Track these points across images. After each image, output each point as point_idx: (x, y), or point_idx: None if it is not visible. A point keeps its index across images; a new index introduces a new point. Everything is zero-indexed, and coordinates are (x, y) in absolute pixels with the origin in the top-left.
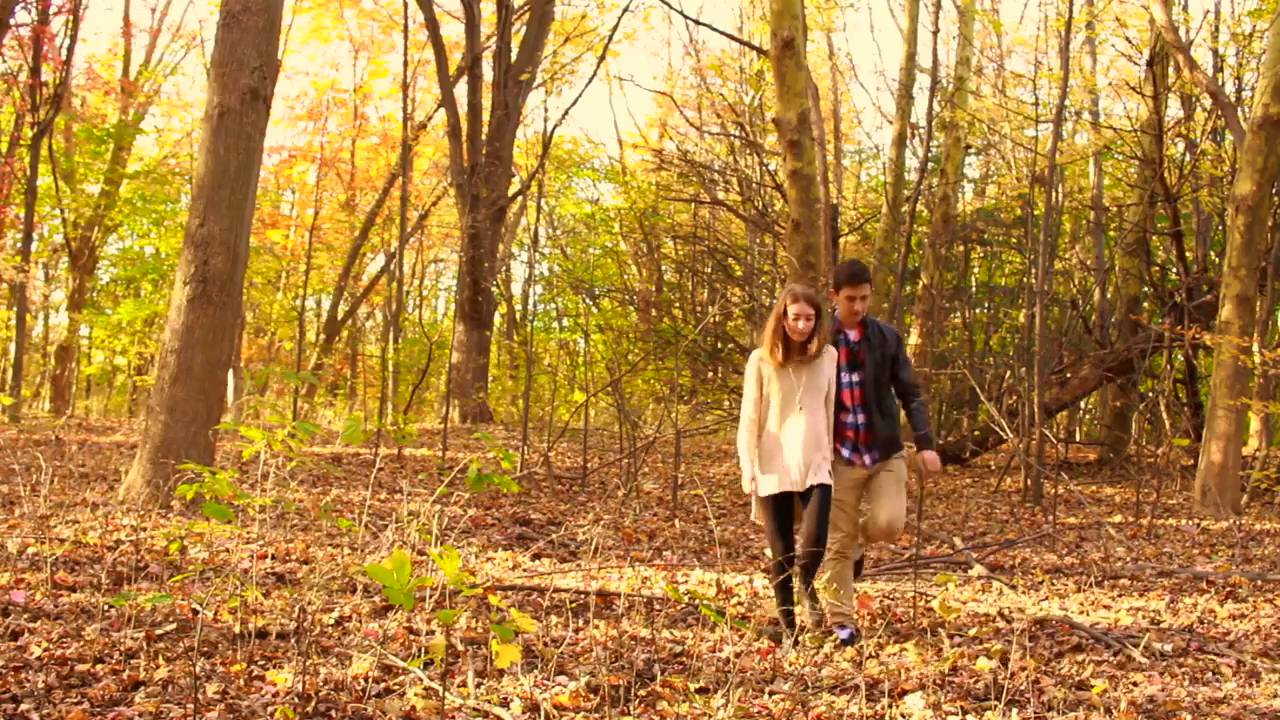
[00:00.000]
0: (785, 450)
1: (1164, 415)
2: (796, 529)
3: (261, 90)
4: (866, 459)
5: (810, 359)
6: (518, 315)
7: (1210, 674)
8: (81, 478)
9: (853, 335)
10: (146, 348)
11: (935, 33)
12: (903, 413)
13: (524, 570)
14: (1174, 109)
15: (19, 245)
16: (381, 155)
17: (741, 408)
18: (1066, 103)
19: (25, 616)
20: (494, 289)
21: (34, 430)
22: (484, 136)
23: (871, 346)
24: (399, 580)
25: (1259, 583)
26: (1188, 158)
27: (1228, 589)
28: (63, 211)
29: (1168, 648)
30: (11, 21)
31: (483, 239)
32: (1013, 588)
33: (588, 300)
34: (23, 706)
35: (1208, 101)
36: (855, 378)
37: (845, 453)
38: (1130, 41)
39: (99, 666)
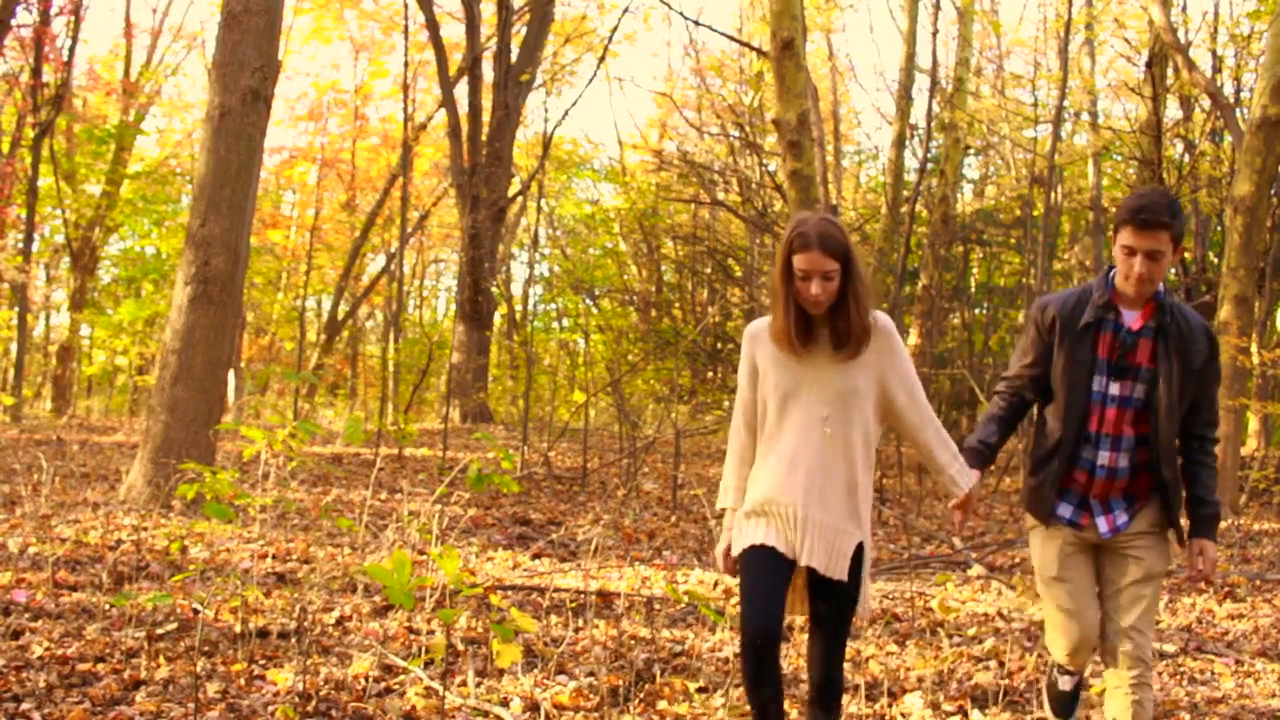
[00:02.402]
0: (787, 493)
1: None
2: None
3: (262, 91)
4: (1102, 523)
5: (845, 348)
6: (518, 315)
7: (1208, 673)
8: (82, 477)
9: (1131, 319)
10: (147, 348)
11: (935, 34)
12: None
13: (524, 570)
14: (1173, 110)
15: (20, 245)
16: (382, 156)
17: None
18: (1065, 103)
19: (26, 616)
20: (494, 289)
21: (35, 430)
22: (484, 137)
23: (1167, 347)
24: (399, 580)
25: (1257, 583)
26: (1186, 158)
27: (1226, 589)
28: (64, 212)
29: (1167, 647)
30: (13, 22)
31: (483, 239)
32: (1012, 588)
33: (588, 300)
34: (24, 706)
35: (1206, 102)
36: (1119, 390)
37: (1065, 510)
38: (1129, 42)
39: (100, 666)
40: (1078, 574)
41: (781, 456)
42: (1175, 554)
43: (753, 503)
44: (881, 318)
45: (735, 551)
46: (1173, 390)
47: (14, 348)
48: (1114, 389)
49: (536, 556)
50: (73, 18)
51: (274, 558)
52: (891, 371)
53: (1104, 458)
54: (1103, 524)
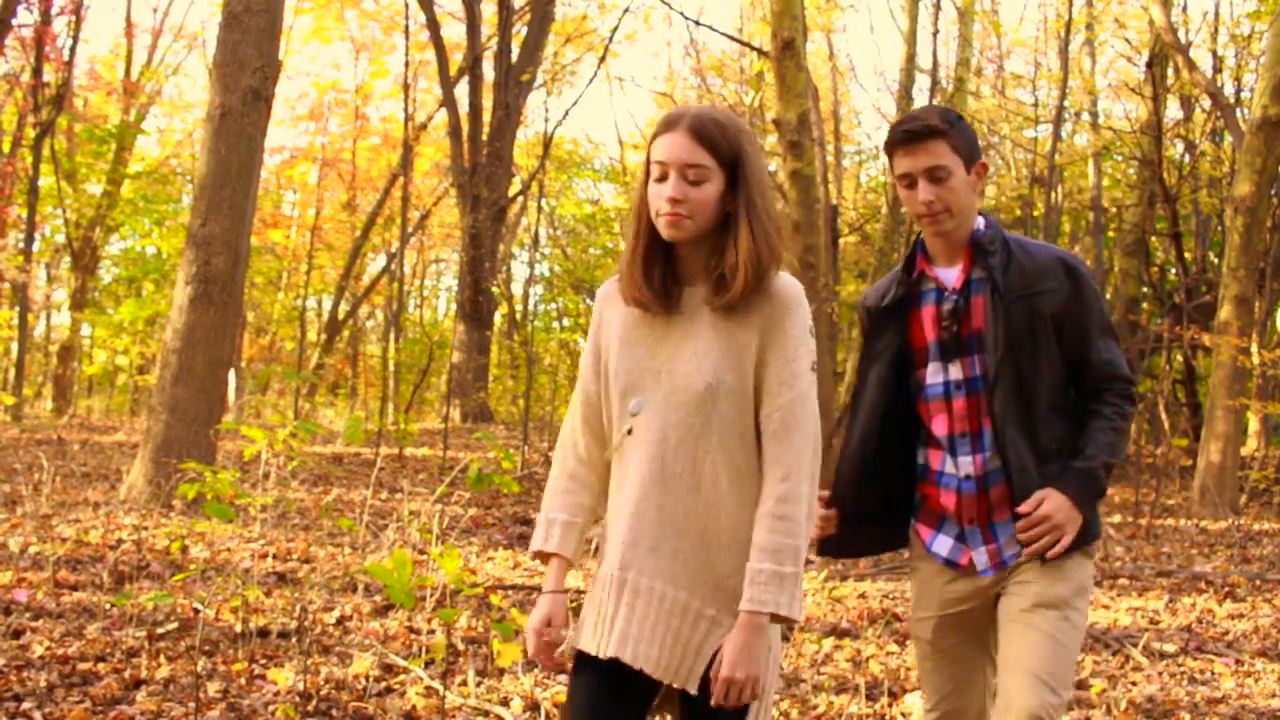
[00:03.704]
0: (610, 549)
1: (1163, 416)
2: None
3: (263, 90)
4: (983, 557)
5: (722, 305)
6: (518, 315)
7: (1209, 673)
8: (83, 477)
9: (950, 277)
10: (148, 347)
11: (935, 34)
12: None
13: (524, 570)
14: (1173, 110)
15: (21, 245)
16: (383, 155)
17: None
18: (1066, 103)
19: (27, 615)
20: (495, 289)
21: (36, 430)
22: (485, 137)
23: (1000, 297)
24: (400, 580)
25: (1257, 582)
26: (1187, 159)
27: (1226, 589)
28: (65, 211)
29: (1167, 647)
30: (14, 22)
31: (483, 239)
32: None
33: (589, 300)
34: (25, 705)
35: (1207, 102)
36: (961, 372)
37: (939, 546)
38: (1129, 43)
39: (100, 665)
40: (947, 630)
41: (616, 490)
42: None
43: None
44: (786, 283)
45: (566, 646)
46: (1022, 351)
47: (15, 347)
48: (955, 372)
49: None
50: (73, 17)
51: (274, 557)
52: (767, 365)
53: (966, 465)
54: (981, 557)
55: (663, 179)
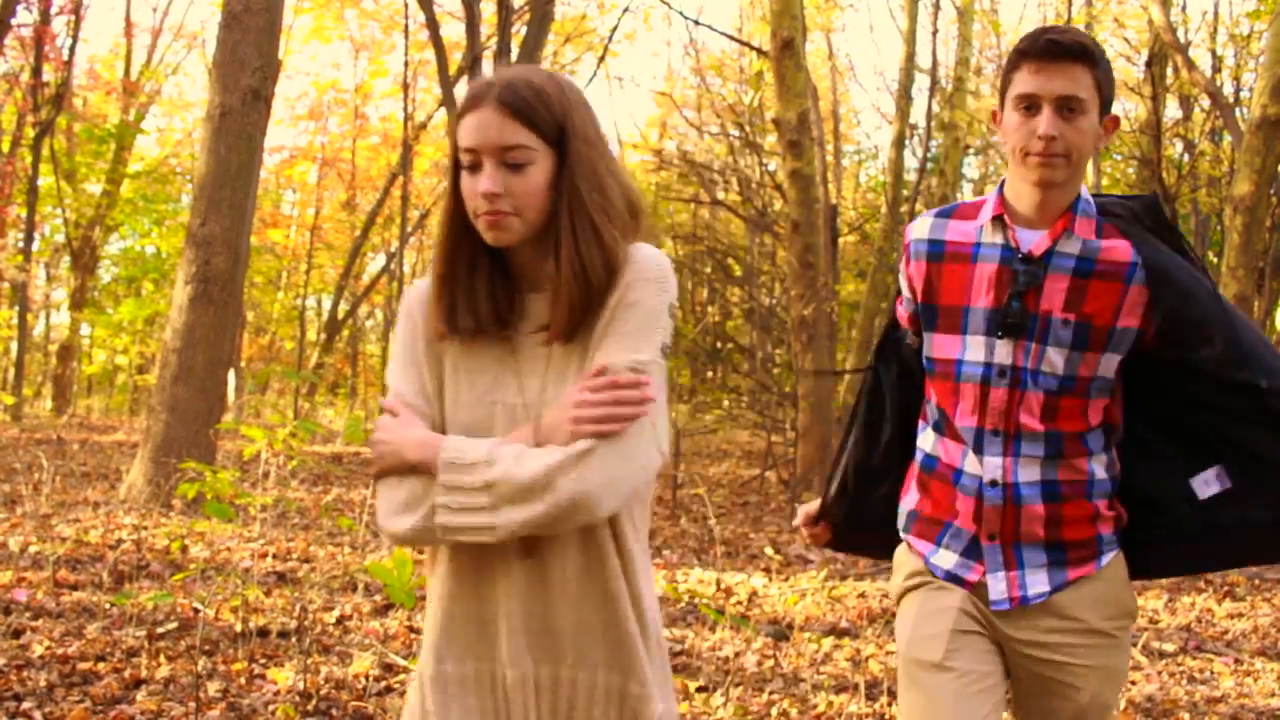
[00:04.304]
0: (477, 642)
1: None
2: None
3: (262, 90)
4: (1000, 585)
5: (556, 325)
6: None
7: (1208, 672)
8: (83, 477)
9: (1030, 240)
10: (147, 347)
11: (934, 33)
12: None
13: None
14: (1172, 109)
15: (21, 245)
16: (382, 155)
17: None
18: None
19: (27, 615)
20: None
21: (35, 429)
22: None
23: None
24: (400, 579)
25: (1256, 582)
26: (1186, 158)
27: (1225, 588)
28: (64, 211)
29: (1166, 646)
30: (13, 21)
31: None
32: None
33: None
34: (25, 705)
35: (1206, 102)
36: (1005, 356)
37: (940, 559)
38: (1128, 42)
39: (100, 665)
40: (970, 663)
41: (459, 563)
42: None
43: (427, 664)
44: (637, 254)
45: None
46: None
47: (14, 347)
48: (1002, 355)
49: None
50: (73, 17)
51: (274, 557)
52: (604, 334)
53: (995, 467)
54: (997, 586)
55: (475, 169)
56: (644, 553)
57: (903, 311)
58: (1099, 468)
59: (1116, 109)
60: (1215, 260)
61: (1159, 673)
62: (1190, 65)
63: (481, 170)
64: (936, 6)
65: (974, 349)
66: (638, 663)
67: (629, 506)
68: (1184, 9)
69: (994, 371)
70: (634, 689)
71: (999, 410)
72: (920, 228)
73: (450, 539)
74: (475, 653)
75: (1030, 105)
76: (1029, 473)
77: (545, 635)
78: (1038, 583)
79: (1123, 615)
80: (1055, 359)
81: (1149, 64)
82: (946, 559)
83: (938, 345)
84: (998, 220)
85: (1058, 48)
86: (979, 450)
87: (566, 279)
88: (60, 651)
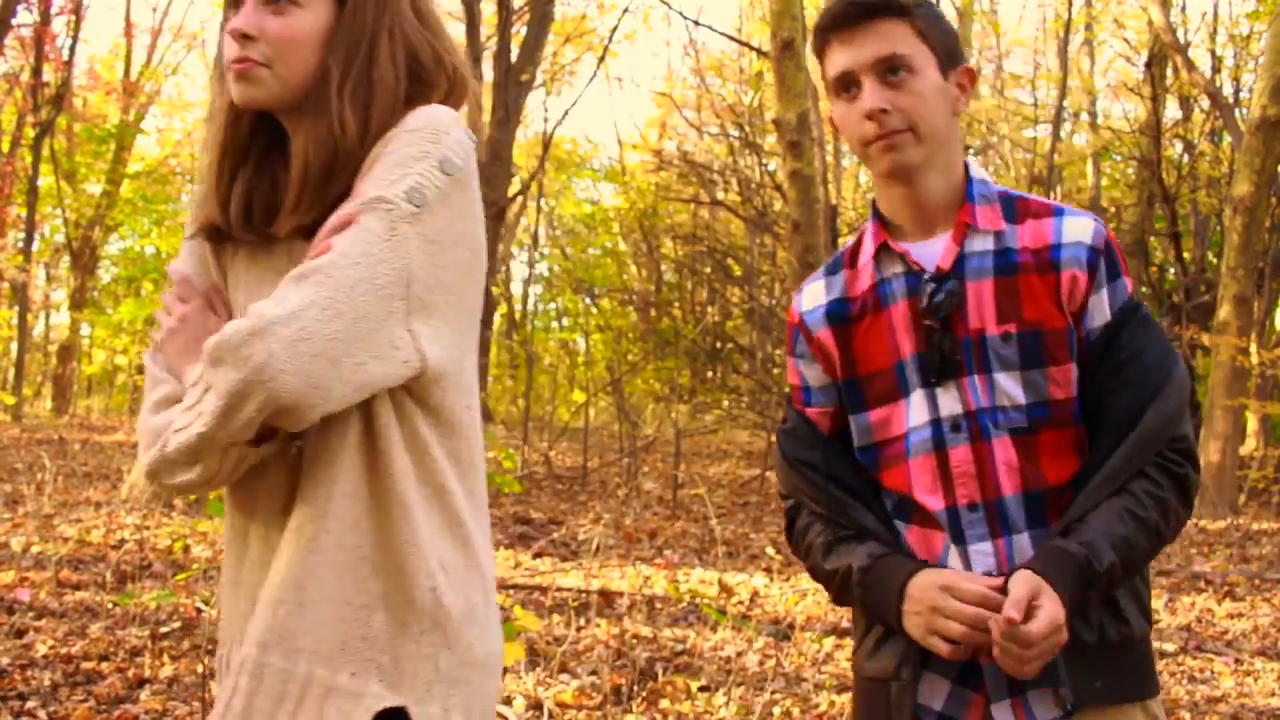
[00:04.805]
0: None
1: None
2: None
3: None
4: (1006, 717)
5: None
6: (517, 315)
7: (1208, 672)
8: (84, 477)
9: (930, 254)
10: (147, 347)
11: None
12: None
13: (525, 569)
14: (1172, 110)
15: (20, 245)
16: None
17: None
18: (1065, 103)
19: (30, 615)
20: (494, 289)
21: (36, 429)
22: (485, 137)
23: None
24: None
25: (1256, 582)
26: (1185, 159)
27: (1225, 588)
28: (64, 211)
29: (1167, 646)
30: (13, 22)
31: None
32: None
33: (588, 300)
34: (29, 704)
35: (1206, 103)
36: (952, 405)
37: (926, 697)
38: (1128, 43)
39: (104, 664)
40: None
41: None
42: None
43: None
44: (419, 111)
45: None
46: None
47: (14, 347)
48: (949, 404)
49: (538, 556)
50: (73, 17)
51: None
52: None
53: (983, 557)
54: (1004, 717)
55: (236, 4)
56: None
57: (814, 411)
58: None
59: (1116, 110)
60: (1215, 260)
61: (1160, 672)
62: (1190, 66)
63: (241, 8)
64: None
65: (917, 410)
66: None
67: (395, 437)
68: (1183, 10)
69: (946, 428)
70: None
71: (968, 476)
72: (811, 294)
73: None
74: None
75: (850, 84)
76: (1028, 552)
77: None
78: (1047, 708)
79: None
80: (1010, 387)
81: (1149, 65)
82: (934, 693)
83: (877, 426)
84: (885, 248)
85: (857, 7)
86: (958, 538)
87: (304, 151)
88: (64, 651)
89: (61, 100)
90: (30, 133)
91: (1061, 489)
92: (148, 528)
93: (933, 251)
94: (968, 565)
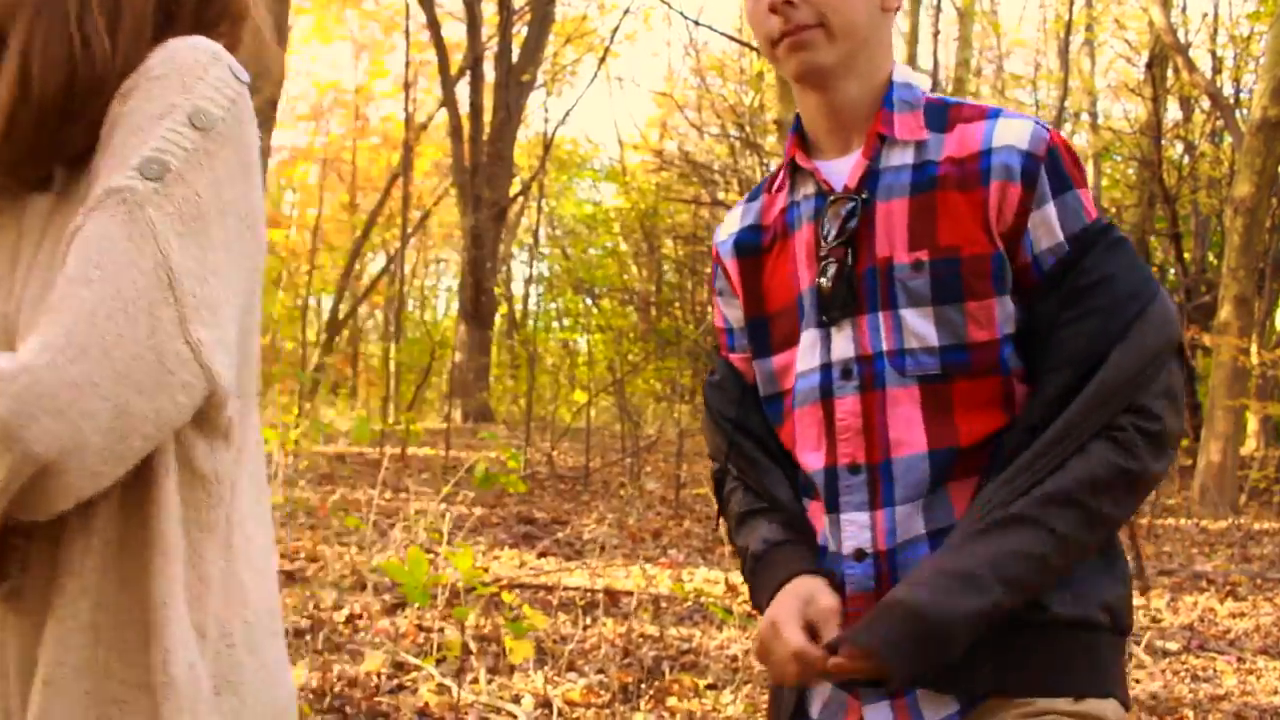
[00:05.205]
0: None
1: None
2: None
3: (270, 93)
4: (883, 716)
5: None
6: (518, 315)
7: (1211, 671)
8: None
9: (838, 169)
10: None
11: (936, 34)
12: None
13: (530, 568)
14: (1172, 111)
15: None
16: (382, 155)
17: None
18: (1065, 104)
19: None
20: (497, 289)
21: None
22: (486, 137)
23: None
24: (415, 577)
25: (1258, 581)
26: (1186, 159)
27: (1227, 587)
28: None
29: (1169, 645)
30: None
31: (485, 239)
32: None
33: (588, 301)
34: None
35: (1206, 103)
36: (845, 347)
37: (813, 704)
38: (1129, 43)
39: None
40: None
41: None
42: None
43: None
44: (165, 47)
45: None
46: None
47: None
48: (842, 347)
49: (542, 555)
50: None
51: (282, 556)
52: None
53: (857, 532)
54: (881, 717)
55: None
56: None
57: (738, 357)
58: None
59: (1116, 110)
60: (1215, 261)
61: (1162, 671)
62: (1191, 67)
63: None
64: (938, 8)
65: (807, 354)
66: None
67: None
68: (1184, 10)
69: (835, 374)
70: None
71: (853, 431)
72: (728, 222)
73: None
74: None
75: None
76: (914, 527)
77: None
78: (939, 708)
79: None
80: (919, 326)
81: (1149, 65)
82: (816, 697)
83: (779, 373)
84: (797, 166)
85: None
86: (831, 505)
87: (22, 68)
88: None
89: None
90: None
91: (974, 449)
92: None
93: (843, 169)
94: (838, 540)
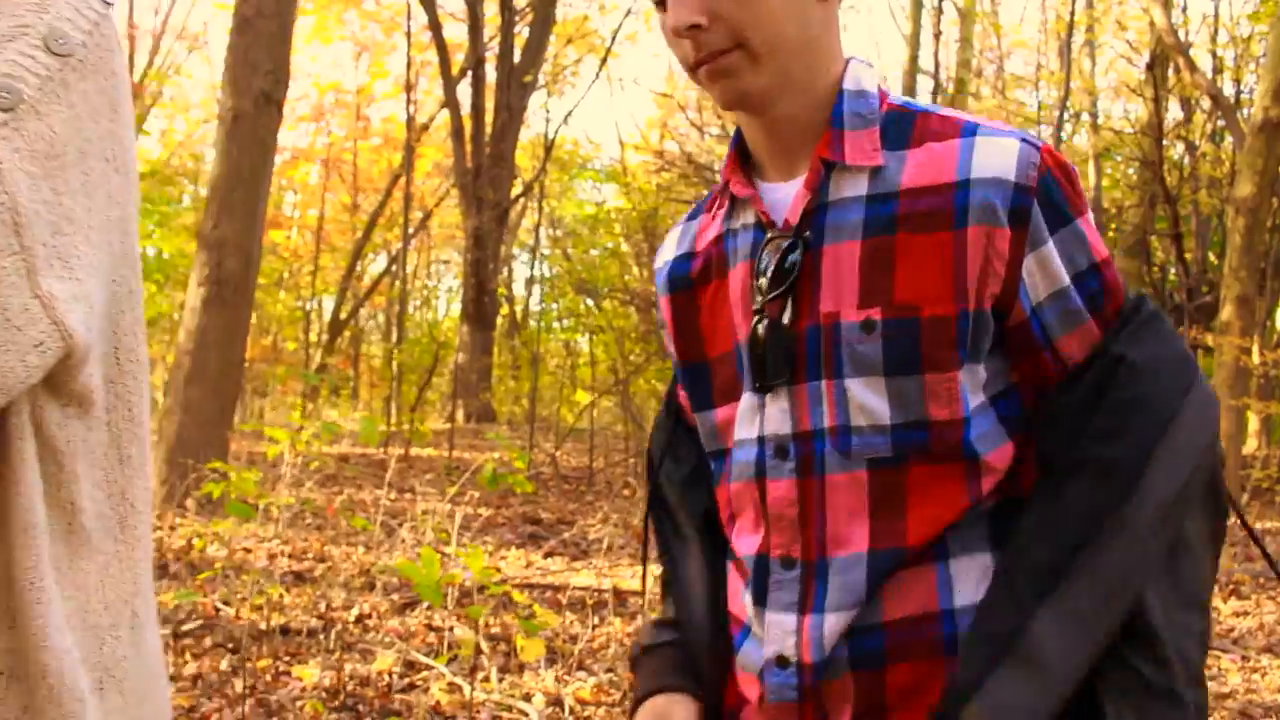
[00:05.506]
0: None
1: None
2: None
3: (274, 94)
4: None
5: None
6: (519, 316)
7: (1215, 669)
8: None
9: (781, 198)
10: (150, 348)
11: (937, 36)
12: None
13: (536, 568)
14: (1173, 111)
15: None
16: (384, 156)
17: None
18: (1067, 104)
19: None
20: (500, 290)
21: None
22: (487, 138)
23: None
24: (429, 577)
25: (1261, 580)
26: (1187, 160)
27: (1231, 586)
28: None
29: None
30: None
31: (487, 240)
32: None
33: (589, 301)
34: None
35: (1207, 104)
36: (779, 422)
37: None
38: (1130, 44)
39: None
40: None
41: None
42: None
43: None
44: None
45: None
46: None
47: None
48: (774, 419)
49: (549, 555)
50: None
51: (290, 556)
52: None
53: (783, 636)
54: None
55: None
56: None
57: (684, 394)
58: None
59: (1116, 110)
60: (1216, 261)
61: None
62: (1192, 67)
63: None
64: (939, 10)
65: (744, 421)
66: None
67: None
68: (1184, 11)
69: (769, 451)
70: None
71: (787, 521)
72: (666, 246)
73: None
74: None
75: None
76: (839, 631)
77: None
78: None
79: None
80: (868, 400)
81: (1150, 66)
82: None
83: (721, 430)
84: (729, 190)
85: None
86: (759, 598)
87: None
88: None
89: None
90: None
91: (922, 552)
92: (160, 528)
93: (789, 197)
94: (762, 639)
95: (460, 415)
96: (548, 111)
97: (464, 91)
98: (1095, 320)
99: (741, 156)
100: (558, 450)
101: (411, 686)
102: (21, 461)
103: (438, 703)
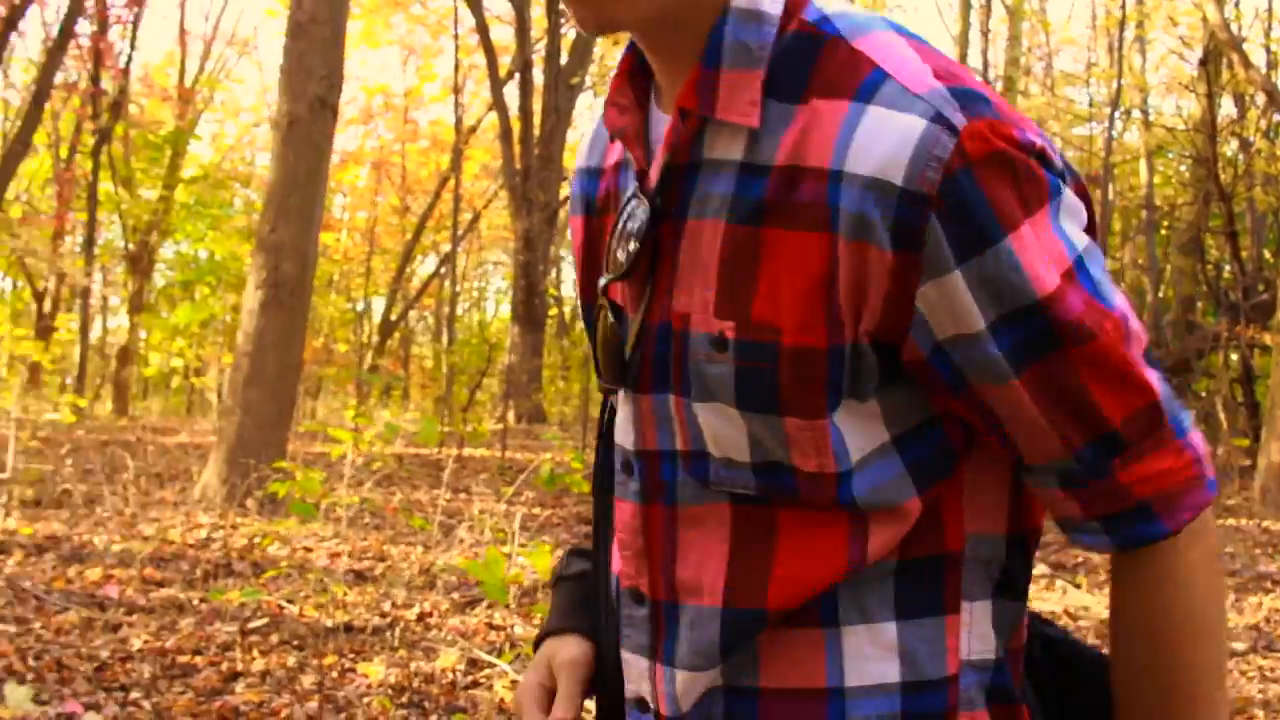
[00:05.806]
0: None
1: (1221, 415)
2: None
3: (329, 99)
4: None
5: None
6: (568, 317)
7: (1279, 671)
8: (154, 477)
9: (655, 144)
10: (203, 349)
11: (985, 34)
12: None
13: None
14: (1227, 107)
15: (80, 250)
16: (432, 158)
17: None
18: (1118, 101)
19: (121, 610)
20: (550, 291)
21: (100, 431)
22: (536, 140)
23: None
24: (494, 576)
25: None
26: (1241, 156)
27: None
28: (122, 216)
29: (1236, 646)
30: (76, 30)
31: (537, 242)
32: (1076, 586)
33: None
34: (133, 694)
35: (1261, 99)
36: (628, 427)
37: None
38: (1182, 39)
39: (197, 658)
40: None
41: None
42: None
43: None
44: None
45: None
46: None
47: (77, 350)
48: (621, 427)
49: None
50: (130, 26)
51: (350, 556)
52: None
53: (636, 681)
54: None
55: None
56: None
57: None
58: (887, 666)
59: (1168, 106)
60: (1272, 258)
61: (1230, 670)
62: (1246, 62)
63: None
64: (987, 8)
65: (622, 415)
66: None
67: None
68: (1237, 5)
69: (618, 462)
70: None
71: (633, 551)
72: (583, 144)
73: None
74: None
75: None
76: (701, 687)
77: None
78: None
79: None
80: (721, 429)
81: (1203, 61)
82: None
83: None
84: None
85: None
86: (627, 636)
87: None
88: (157, 645)
89: (119, 107)
90: (89, 140)
91: (799, 613)
92: (223, 527)
93: (655, 144)
94: (620, 674)
95: (511, 416)
96: (595, 113)
97: (511, 94)
98: (1049, 423)
99: (638, 62)
100: None
101: (475, 684)
102: None
103: (502, 700)
